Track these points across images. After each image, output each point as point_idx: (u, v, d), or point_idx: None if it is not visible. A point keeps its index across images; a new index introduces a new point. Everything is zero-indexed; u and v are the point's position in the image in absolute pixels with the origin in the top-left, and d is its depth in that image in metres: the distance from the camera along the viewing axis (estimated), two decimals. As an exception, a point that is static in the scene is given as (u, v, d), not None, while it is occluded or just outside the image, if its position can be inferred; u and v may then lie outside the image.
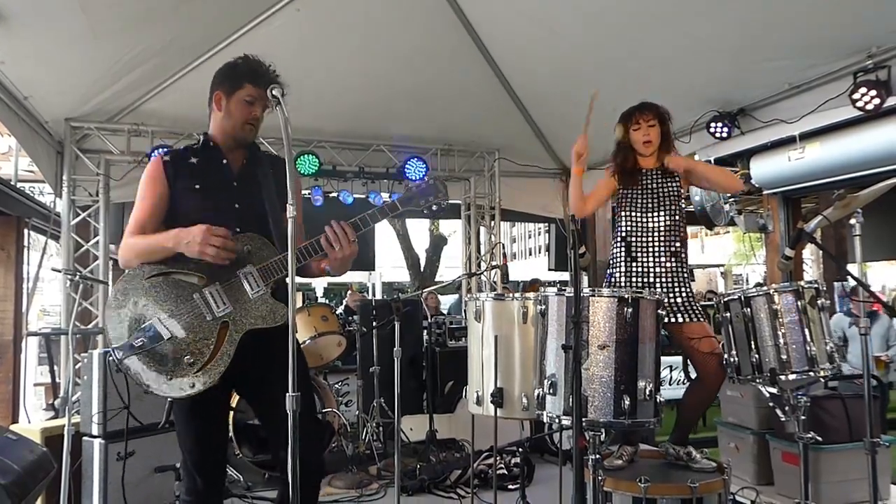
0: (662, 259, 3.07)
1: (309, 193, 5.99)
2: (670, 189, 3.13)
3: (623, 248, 3.13)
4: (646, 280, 3.06)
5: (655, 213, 3.09)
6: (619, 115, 3.24)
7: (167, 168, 2.24)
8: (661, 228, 3.09)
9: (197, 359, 2.08)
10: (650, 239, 3.10)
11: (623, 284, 3.09)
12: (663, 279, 3.05)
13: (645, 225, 3.11)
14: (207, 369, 2.08)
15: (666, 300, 2.89)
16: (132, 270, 2.18)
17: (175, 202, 2.24)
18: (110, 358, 2.11)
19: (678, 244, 3.12)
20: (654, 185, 3.13)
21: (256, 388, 2.26)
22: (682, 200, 3.17)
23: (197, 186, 2.24)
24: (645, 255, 3.10)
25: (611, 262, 3.23)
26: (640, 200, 3.13)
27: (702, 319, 3.08)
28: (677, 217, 3.11)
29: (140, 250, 2.17)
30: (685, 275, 3.12)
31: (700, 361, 3.06)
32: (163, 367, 2.09)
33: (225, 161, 2.30)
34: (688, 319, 3.04)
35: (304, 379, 1.98)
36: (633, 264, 3.08)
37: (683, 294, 3.08)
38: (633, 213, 3.13)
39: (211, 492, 2.21)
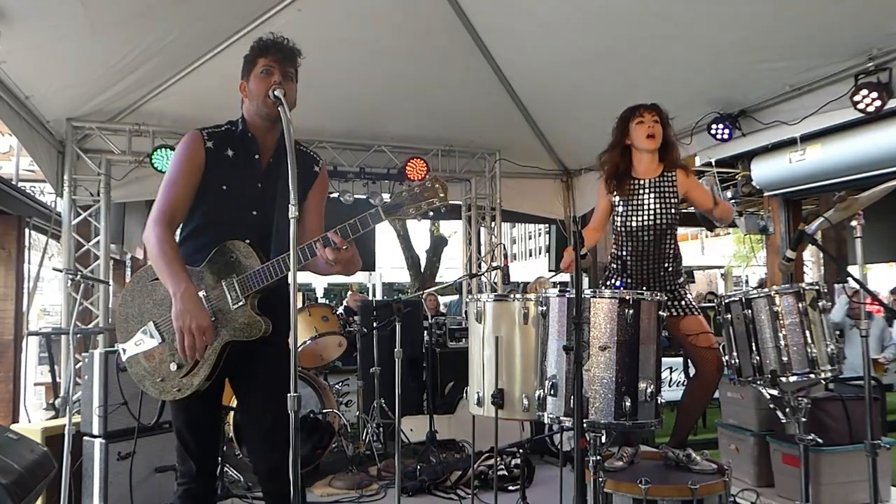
0: (655, 267, 3.07)
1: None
2: (666, 197, 3.06)
3: (618, 264, 3.11)
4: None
5: (650, 223, 3.05)
6: (620, 113, 3.17)
7: (208, 153, 2.18)
8: (656, 237, 3.06)
9: (181, 364, 2.09)
10: (644, 250, 3.07)
11: None
12: (657, 287, 3.05)
13: (639, 235, 3.07)
14: (192, 374, 2.09)
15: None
16: (142, 270, 2.23)
17: (199, 190, 2.18)
18: (118, 361, 2.18)
19: (672, 250, 3.10)
20: (649, 195, 3.07)
21: (243, 387, 2.27)
22: (677, 208, 3.11)
23: (224, 188, 2.19)
24: (639, 267, 3.09)
25: (606, 274, 3.22)
26: (635, 211, 3.08)
27: (697, 313, 3.08)
28: (672, 225, 3.08)
29: (154, 257, 2.09)
30: (680, 279, 3.13)
31: (699, 357, 3.06)
32: (154, 369, 2.14)
33: (257, 156, 2.24)
34: (683, 313, 3.05)
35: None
36: (628, 279, 3.08)
37: (678, 294, 3.08)
38: (628, 225, 3.08)
39: (203, 475, 2.22)
